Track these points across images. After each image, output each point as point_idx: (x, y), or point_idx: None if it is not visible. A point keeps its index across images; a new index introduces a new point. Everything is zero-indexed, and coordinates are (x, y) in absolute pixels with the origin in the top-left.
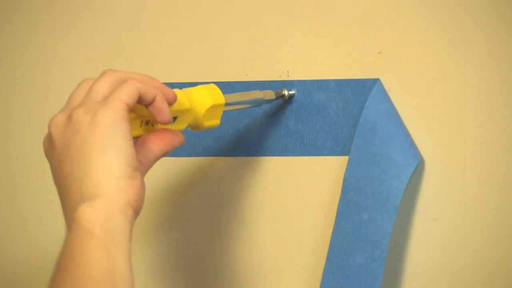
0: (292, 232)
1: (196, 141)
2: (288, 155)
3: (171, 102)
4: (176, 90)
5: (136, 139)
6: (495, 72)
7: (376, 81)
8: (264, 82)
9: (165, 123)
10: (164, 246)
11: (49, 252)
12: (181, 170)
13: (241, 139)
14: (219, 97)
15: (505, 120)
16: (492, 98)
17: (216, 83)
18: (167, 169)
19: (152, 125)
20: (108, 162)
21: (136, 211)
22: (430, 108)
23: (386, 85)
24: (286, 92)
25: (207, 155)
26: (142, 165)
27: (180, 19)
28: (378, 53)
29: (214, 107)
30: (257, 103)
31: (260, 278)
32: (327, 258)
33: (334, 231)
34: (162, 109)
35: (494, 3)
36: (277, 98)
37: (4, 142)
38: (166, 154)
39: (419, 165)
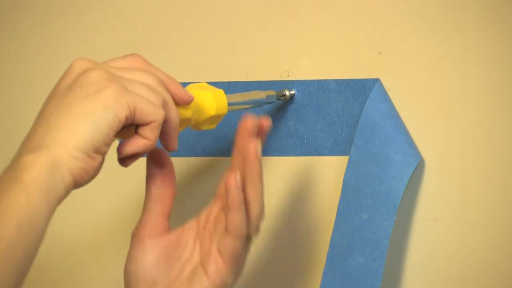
0: (292, 232)
1: (196, 141)
2: (288, 155)
3: (186, 103)
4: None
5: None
6: (495, 72)
7: (376, 81)
8: (264, 82)
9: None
10: None
11: (50, 251)
12: (181, 170)
13: None
14: (223, 107)
15: (504, 120)
16: (492, 98)
17: (216, 83)
18: None
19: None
20: (79, 130)
21: (77, 183)
22: (430, 108)
23: (386, 85)
24: (287, 93)
25: (207, 155)
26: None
27: (180, 19)
28: (378, 53)
29: (215, 116)
30: (259, 103)
31: (260, 278)
32: (327, 258)
33: (334, 231)
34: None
35: (494, 2)
36: (278, 99)
37: (4, 142)
38: None
39: (419, 165)
